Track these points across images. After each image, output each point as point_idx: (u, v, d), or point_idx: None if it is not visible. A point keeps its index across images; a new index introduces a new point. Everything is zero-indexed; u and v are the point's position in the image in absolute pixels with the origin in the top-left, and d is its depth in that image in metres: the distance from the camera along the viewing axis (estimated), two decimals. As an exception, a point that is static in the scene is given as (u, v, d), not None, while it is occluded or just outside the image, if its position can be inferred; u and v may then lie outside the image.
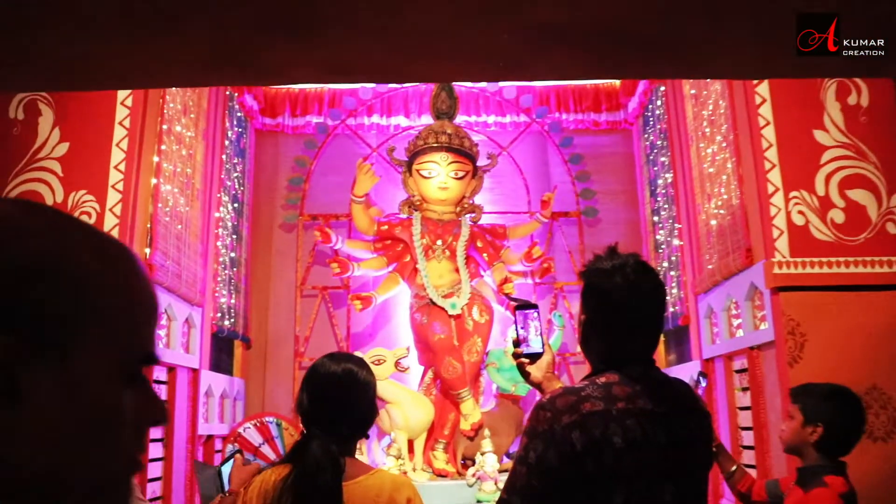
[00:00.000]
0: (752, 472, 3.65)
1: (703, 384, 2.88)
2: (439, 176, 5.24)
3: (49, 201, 3.47)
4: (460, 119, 5.68)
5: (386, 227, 5.36)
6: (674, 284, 5.01)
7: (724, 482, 2.59)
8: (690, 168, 4.63)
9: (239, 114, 5.59)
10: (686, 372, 4.68)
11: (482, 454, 4.49)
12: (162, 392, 3.97)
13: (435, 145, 5.26)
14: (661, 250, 5.32)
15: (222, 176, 5.11)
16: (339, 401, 1.64)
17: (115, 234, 3.46)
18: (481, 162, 5.49)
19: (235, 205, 5.42)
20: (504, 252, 5.41)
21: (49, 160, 3.51)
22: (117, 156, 3.57)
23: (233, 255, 5.29)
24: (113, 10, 1.58)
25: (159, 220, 3.95)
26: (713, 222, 4.21)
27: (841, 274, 3.32)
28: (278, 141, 6.03)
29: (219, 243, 5.00)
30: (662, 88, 5.22)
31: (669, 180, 5.07)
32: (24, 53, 1.69)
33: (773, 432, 3.52)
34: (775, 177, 3.47)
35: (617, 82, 5.97)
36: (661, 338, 5.08)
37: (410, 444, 4.71)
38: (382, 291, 5.28)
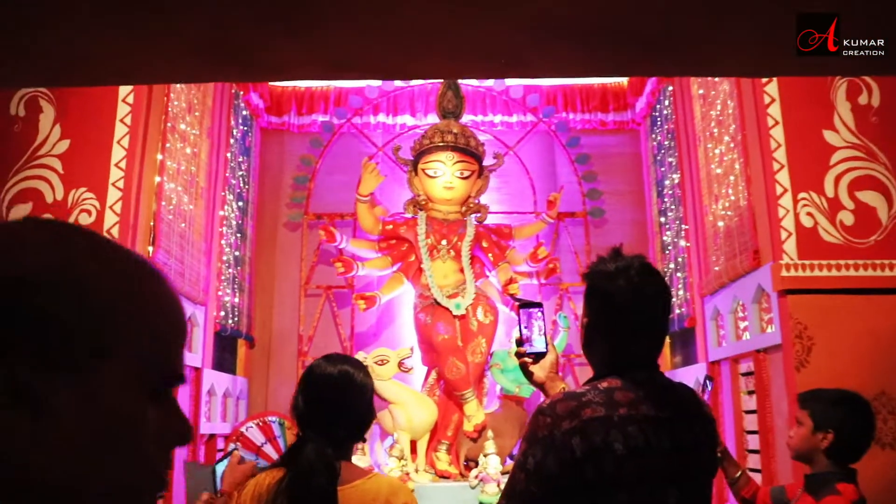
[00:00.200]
0: (758, 477, 3.61)
1: (710, 388, 2.85)
2: (445, 175, 5.21)
3: (49, 199, 3.46)
4: (466, 118, 5.65)
5: (391, 226, 5.34)
6: (680, 286, 4.97)
7: (727, 487, 2.55)
8: (698, 169, 4.59)
9: (244, 112, 5.57)
10: (692, 374, 4.64)
11: (485, 456, 4.46)
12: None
13: (441, 144, 5.23)
14: (667, 251, 5.28)
15: (227, 174, 5.09)
16: (335, 403, 1.61)
17: (115, 232, 3.44)
18: (487, 161, 5.46)
19: (240, 203, 5.40)
20: (509, 252, 5.37)
21: (50, 157, 3.50)
22: (118, 153, 3.55)
23: (237, 253, 5.27)
24: (111, 6, 1.56)
25: (162, 219, 3.93)
26: (720, 223, 4.17)
27: (850, 277, 3.27)
28: (284, 139, 6.01)
29: (223, 242, 4.99)
30: (670, 88, 5.17)
31: (677, 181, 5.03)
32: (22, 49, 1.67)
33: (779, 436, 3.48)
34: (784, 178, 3.42)
35: (625, 82, 5.93)
36: (667, 340, 5.04)
37: (413, 444, 4.69)
38: (387, 291, 5.25)
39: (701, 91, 4.57)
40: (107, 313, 0.55)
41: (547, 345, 1.69)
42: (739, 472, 2.46)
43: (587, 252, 5.62)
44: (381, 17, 1.52)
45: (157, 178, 3.89)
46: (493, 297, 5.22)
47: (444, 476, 4.66)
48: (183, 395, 4.18)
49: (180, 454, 4.18)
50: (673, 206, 5.14)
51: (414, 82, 5.86)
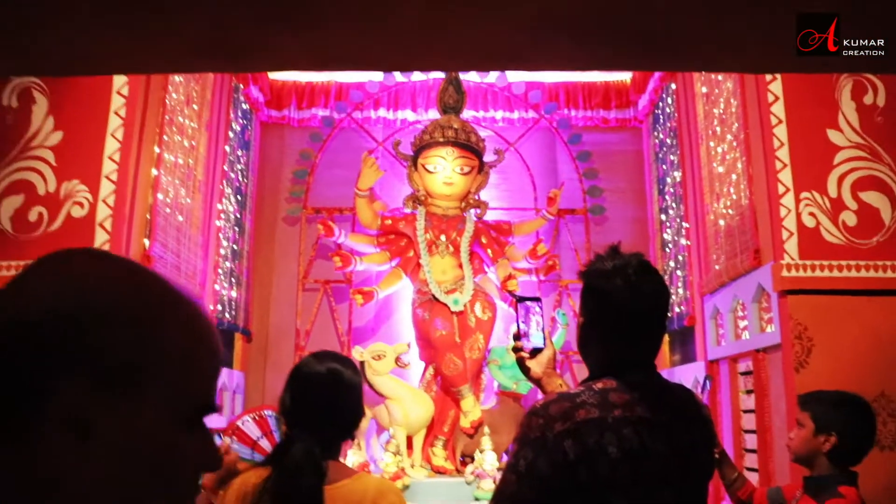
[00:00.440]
0: (755, 476, 3.59)
1: (708, 387, 2.82)
2: (445, 171, 5.18)
3: (41, 191, 3.43)
4: (467, 114, 5.61)
5: (390, 221, 5.31)
6: (680, 284, 4.94)
7: (722, 487, 2.53)
8: (700, 167, 4.56)
9: (244, 105, 5.54)
10: (690, 373, 4.62)
11: (481, 452, 4.44)
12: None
13: (441, 140, 5.19)
14: (668, 249, 5.26)
15: (225, 168, 5.06)
16: (323, 402, 1.58)
17: (108, 224, 3.41)
18: (488, 157, 5.43)
19: (239, 197, 5.37)
20: (509, 249, 5.34)
21: (42, 149, 3.46)
22: (112, 145, 3.51)
23: (235, 247, 5.25)
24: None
25: (159, 212, 3.91)
26: (721, 222, 4.14)
27: (852, 278, 3.24)
28: (283, 133, 5.98)
29: (221, 235, 4.96)
30: (673, 86, 5.14)
31: (678, 179, 5.00)
32: (9, 38, 1.64)
33: (777, 436, 3.46)
34: (786, 177, 3.39)
35: (627, 79, 5.89)
36: (666, 338, 5.01)
37: (409, 440, 4.67)
38: (384, 286, 5.23)
39: (704, 89, 4.53)
40: (150, 344, 0.59)
41: (545, 340, 1.66)
42: (736, 474, 2.43)
43: (587, 249, 5.59)
44: (374, 8, 1.49)
45: (154, 171, 3.86)
46: (492, 293, 5.20)
47: (440, 472, 4.64)
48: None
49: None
50: (674, 205, 5.11)
51: (415, 77, 5.83)
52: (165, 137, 4.00)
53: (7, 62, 1.90)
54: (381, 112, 5.92)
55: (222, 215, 4.99)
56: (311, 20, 1.51)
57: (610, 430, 1.34)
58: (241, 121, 5.44)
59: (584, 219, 5.76)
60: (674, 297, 5.00)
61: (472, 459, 4.56)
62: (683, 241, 4.88)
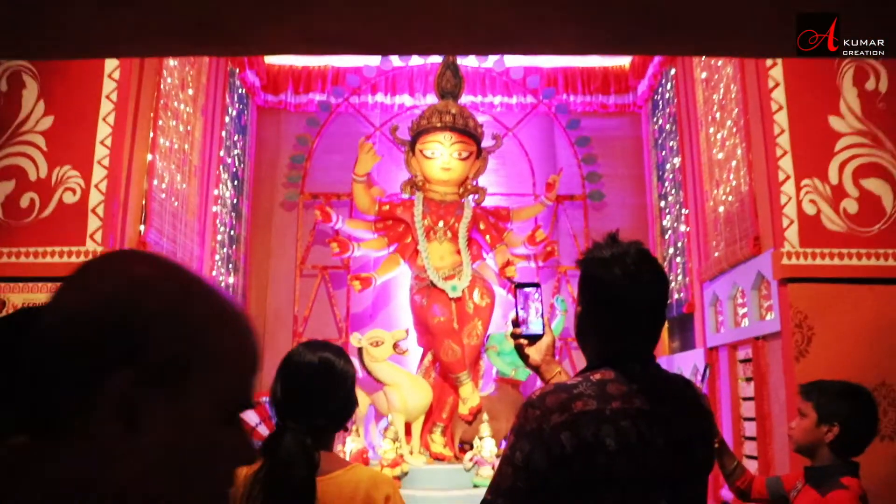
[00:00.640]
0: (754, 464, 3.59)
1: (707, 375, 2.80)
2: (442, 156, 5.14)
3: (32, 177, 3.38)
4: (465, 99, 5.56)
5: (387, 207, 5.28)
6: (679, 271, 4.92)
7: (720, 475, 2.51)
8: (699, 153, 4.52)
9: (240, 90, 5.49)
10: (689, 360, 4.61)
11: (480, 438, 4.44)
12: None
13: (438, 125, 5.15)
14: (667, 236, 5.23)
15: (222, 153, 5.02)
16: (315, 392, 1.55)
17: (100, 211, 3.37)
18: (486, 143, 5.39)
19: (235, 182, 5.33)
20: (507, 235, 5.32)
21: (33, 134, 3.42)
22: (104, 130, 3.46)
23: (232, 233, 5.22)
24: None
25: (154, 197, 3.87)
26: (721, 209, 4.11)
27: (852, 266, 3.21)
28: (280, 118, 5.93)
29: (217, 221, 4.93)
30: (673, 71, 5.09)
31: (677, 165, 4.96)
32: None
33: (776, 424, 3.45)
34: (787, 164, 3.35)
35: (626, 64, 5.84)
36: (665, 325, 5.00)
37: (408, 426, 4.66)
38: (382, 272, 5.20)
39: (704, 74, 4.49)
40: (195, 343, 0.62)
41: (544, 327, 1.64)
42: (735, 464, 2.42)
43: (586, 235, 5.57)
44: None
45: (149, 157, 3.82)
46: (490, 279, 5.17)
47: (438, 458, 4.64)
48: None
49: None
50: (673, 191, 5.08)
51: (413, 62, 5.78)
52: (160, 122, 3.96)
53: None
54: (379, 97, 5.87)
55: (219, 201, 4.96)
56: (299, 2, 1.47)
57: (608, 423, 1.32)
58: (237, 105, 5.39)
59: (582, 205, 5.73)
60: (673, 283, 4.98)
61: (471, 446, 4.56)
62: (683, 228, 4.86)
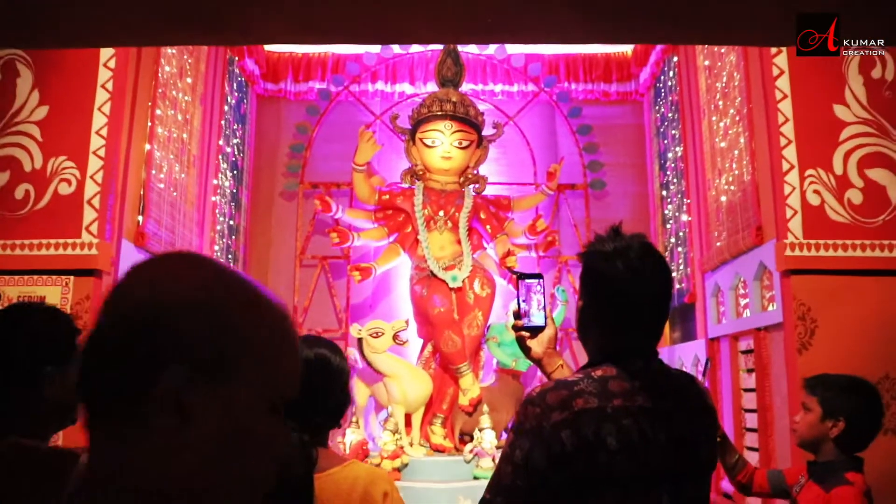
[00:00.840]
0: (755, 455, 3.57)
1: (708, 369, 2.78)
2: (443, 145, 5.10)
3: (27, 167, 3.35)
4: (466, 87, 5.52)
5: (387, 196, 5.24)
6: (681, 261, 4.89)
7: (721, 468, 2.49)
8: (702, 142, 4.48)
9: (240, 78, 5.44)
10: (691, 351, 4.59)
11: (480, 430, 4.43)
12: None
13: (439, 114, 5.11)
14: (668, 225, 5.20)
15: (221, 142, 4.98)
16: (311, 388, 1.53)
17: (96, 202, 3.33)
18: (487, 131, 5.35)
19: (234, 172, 5.30)
20: (508, 224, 5.29)
21: (27, 124, 3.37)
22: (99, 120, 3.42)
23: (231, 222, 5.19)
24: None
25: (152, 187, 3.84)
26: (723, 198, 4.08)
27: (857, 258, 3.18)
28: (280, 107, 5.88)
29: (216, 211, 4.90)
30: (675, 59, 5.04)
31: (680, 154, 4.92)
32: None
33: (777, 416, 3.43)
34: (791, 153, 3.31)
35: (628, 52, 5.79)
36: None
37: (408, 418, 4.65)
38: (382, 262, 5.18)
39: (707, 62, 4.44)
40: (240, 340, 0.65)
41: (546, 319, 1.61)
42: (736, 457, 2.40)
43: (587, 225, 5.54)
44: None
45: (147, 146, 3.78)
46: (491, 269, 5.14)
47: (438, 450, 4.63)
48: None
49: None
50: (675, 180, 5.04)
51: (413, 50, 5.73)
52: (158, 111, 3.92)
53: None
54: (379, 85, 5.83)
55: (218, 191, 4.93)
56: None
57: (609, 421, 1.29)
58: (236, 94, 5.35)
59: (584, 194, 5.69)
60: (674, 273, 4.96)
61: (471, 437, 4.55)
62: (684, 217, 4.82)
